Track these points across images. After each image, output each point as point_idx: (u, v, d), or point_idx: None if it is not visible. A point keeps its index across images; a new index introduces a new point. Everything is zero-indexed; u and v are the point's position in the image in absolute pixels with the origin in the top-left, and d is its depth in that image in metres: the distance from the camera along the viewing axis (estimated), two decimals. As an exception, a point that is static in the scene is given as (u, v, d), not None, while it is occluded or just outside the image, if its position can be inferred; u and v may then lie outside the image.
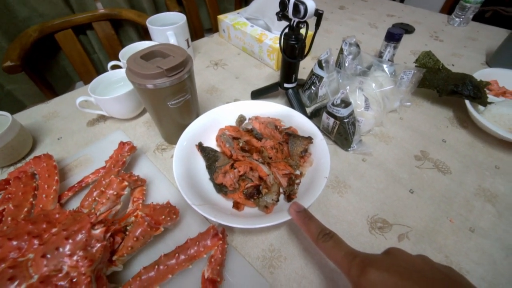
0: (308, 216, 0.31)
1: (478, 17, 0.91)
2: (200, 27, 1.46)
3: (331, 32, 0.90)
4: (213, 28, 1.43)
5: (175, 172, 0.39)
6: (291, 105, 0.55)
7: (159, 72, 0.37)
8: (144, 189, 0.41)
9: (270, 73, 0.69)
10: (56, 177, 0.40)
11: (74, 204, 0.41)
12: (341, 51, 0.60)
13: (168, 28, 0.62)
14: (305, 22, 0.45)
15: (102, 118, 0.56)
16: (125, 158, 0.43)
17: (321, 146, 0.43)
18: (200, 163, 0.45)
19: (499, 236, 0.38)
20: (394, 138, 0.52)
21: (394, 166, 0.47)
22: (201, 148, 0.46)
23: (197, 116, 0.49)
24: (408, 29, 0.90)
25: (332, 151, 0.49)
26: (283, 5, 0.44)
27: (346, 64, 0.54)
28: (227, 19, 0.77)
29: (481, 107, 0.55)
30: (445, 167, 0.47)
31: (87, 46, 1.19)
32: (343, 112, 0.44)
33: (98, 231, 0.29)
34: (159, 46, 0.42)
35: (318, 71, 0.54)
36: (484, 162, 0.48)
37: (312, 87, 0.55)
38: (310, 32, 0.68)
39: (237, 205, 0.39)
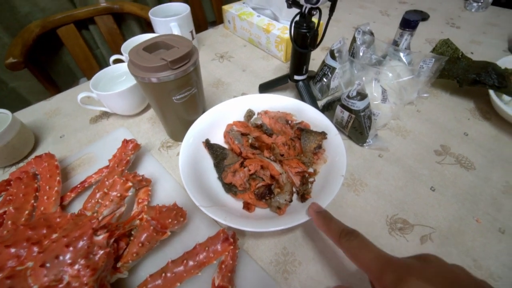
0: (329, 216, 0.29)
1: (495, 2, 0.86)
2: (204, 19, 1.42)
3: (339, 21, 0.86)
4: (217, 21, 1.40)
5: (181, 172, 0.37)
6: (301, 98, 0.52)
7: (162, 64, 0.34)
8: (150, 190, 0.39)
9: (278, 65, 0.66)
10: (58, 178, 0.38)
11: (77, 206, 0.39)
12: (354, 40, 0.56)
13: (171, 19, 0.59)
14: (318, 8, 0.41)
15: (105, 114, 0.54)
16: (129, 157, 0.41)
17: (336, 142, 0.40)
18: (207, 161, 0.43)
19: (531, 237, 0.35)
20: (412, 132, 0.49)
21: (412, 162, 0.44)
22: (209, 145, 0.43)
23: (204, 111, 0.47)
24: (422, 16, 0.85)
25: (347, 147, 0.46)
26: (293, -10, 0.41)
27: (361, 54, 0.51)
28: (232, 9, 0.74)
29: (506, 97, 0.52)
30: (468, 162, 0.44)
31: (90, 41, 1.17)
32: (359, 105, 0.41)
33: (100, 237, 0.27)
34: (163, 37, 0.40)
35: (330, 61, 0.51)
36: (511, 156, 0.45)
37: (324, 78, 0.52)
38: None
39: (247, 206, 0.36)
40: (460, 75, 0.54)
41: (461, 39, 0.74)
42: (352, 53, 0.55)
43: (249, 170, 0.37)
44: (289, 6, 0.44)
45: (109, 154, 0.42)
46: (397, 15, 0.88)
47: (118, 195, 0.33)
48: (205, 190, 0.38)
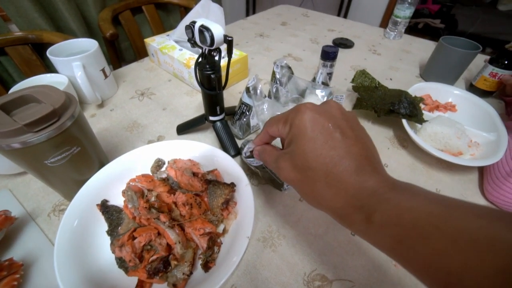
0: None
1: (414, 28, 0.94)
2: (144, 48, 1.36)
3: (271, 50, 0.86)
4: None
5: (55, 254, 0.30)
6: (219, 140, 0.48)
7: (16, 128, 0.28)
8: (17, 278, 0.31)
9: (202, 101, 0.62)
10: None
11: None
12: (273, 74, 0.55)
13: (74, 59, 0.53)
14: (218, 49, 0.39)
15: (-16, 175, 0.45)
16: (-9, 238, 0.33)
17: (246, 194, 0.36)
18: (105, 227, 0.36)
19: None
20: (334, 168, 0.48)
21: (334, 202, 0.42)
22: (104, 208, 0.37)
23: (102, 165, 0.40)
24: (347, 43, 0.89)
25: (267, 192, 0.43)
26: (190, 31, 0.38)
27: (273, 91, 0.49)
28: (154, 43, 0.70)
29: (418, 125, 0.54)
30: (387, 197, 0.43)
31: (3, 74, 1.04)
32: (257, 161, 0.37)
33: None
34: (32, 89, 0.33)
35: (246, 99, 0.48)
36: (425, 186, 0.45)
37: (243, 117, 0.50)
38: (241, 56, 0.63)
39: (141, 285, 0.30)
40: (378, 105, 0.56)
41: (381, 65, 0.78)
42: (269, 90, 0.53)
43: (140, 242, 0.31)
44: (193, 46, 0.41)
45: (-25, 232, 0.34)
46: (326, 43, 0.92)
47: None
48: (92, 269, 0.31)
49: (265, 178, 0.43)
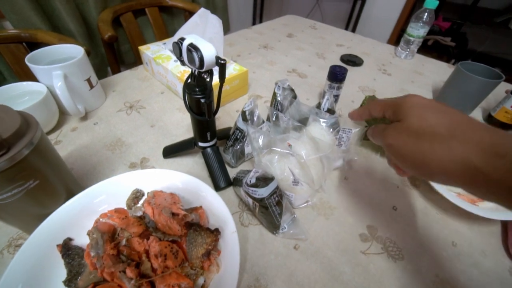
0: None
1: (423, 45, 0.89)
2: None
3: (275, 63, 0.81)
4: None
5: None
6: (208, 168, 0.43)
7: (-50, 163, 0.23)
8: None
9: (195, 119, 0.57)
10: None
11: None
12: (274, 95, 0.50)
13: (55, 67, 0.48)
14: (208, 71, 0.34)
15: None
16: None
17: (231, 244, 0.31)
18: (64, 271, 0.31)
19: None
20: (337, 209, 0.42)
21: (334, 253, 0.36)
22: (65, 250, 0.31)
23: (72, 195, 0.35)
24: (356, 61, 0.84)
25: (257, 235, 0.38)
26: (177, 49, 0.33)
27: (273, 118, 0.44)
28: (148, 51, 0.65)
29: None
30: (396, 249, 0.37)
31: (-6, 73, 1.00)
32: (261, 192, 0.33)
33: None
34: (-15, 110, 0.28)
35: (241, 125, 0.43)
36: (440, 236, 0.39)
37: (237, 144, 0.44)
38: (241, 71, 0.58)
39: None
40: (387, 135, 0.50)
41: (392, 87, 0.73)
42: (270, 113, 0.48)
43: (97, 307, 0.25)
44: (183, 64, 0.36)
45: None
46: (333, 59, 0.87)
47: None
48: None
49: (260, 216, 0.37)
